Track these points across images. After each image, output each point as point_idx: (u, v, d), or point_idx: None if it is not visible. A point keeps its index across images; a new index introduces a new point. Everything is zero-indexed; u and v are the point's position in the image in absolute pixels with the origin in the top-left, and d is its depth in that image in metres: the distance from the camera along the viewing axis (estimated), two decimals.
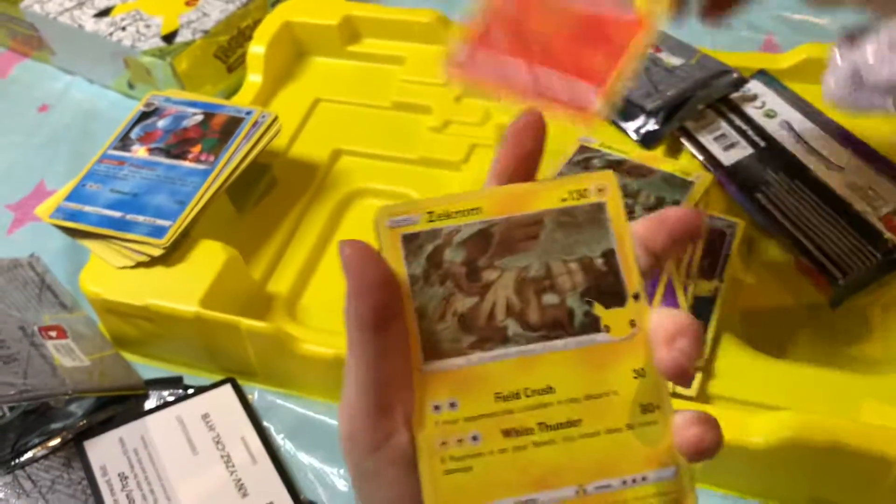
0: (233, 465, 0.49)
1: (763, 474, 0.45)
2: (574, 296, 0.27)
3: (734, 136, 0.58)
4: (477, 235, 0.27)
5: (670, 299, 0.49)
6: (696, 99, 0.60)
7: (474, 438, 0.26)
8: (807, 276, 0.52)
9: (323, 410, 0.52)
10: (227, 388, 0.53)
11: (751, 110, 0.59)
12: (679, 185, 0.55)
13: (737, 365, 0.47)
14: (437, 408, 0.26)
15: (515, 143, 0.29)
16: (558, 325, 0.27)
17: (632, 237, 0.27)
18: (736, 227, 0.53)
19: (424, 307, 0.27)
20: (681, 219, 0.27)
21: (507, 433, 0.26)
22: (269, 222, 0.60)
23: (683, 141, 0.59)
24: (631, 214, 0.54)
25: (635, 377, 0.26)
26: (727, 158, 0.57)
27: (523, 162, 0.29)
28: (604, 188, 0.28)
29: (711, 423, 0.25)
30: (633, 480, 0.26)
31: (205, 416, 0.51)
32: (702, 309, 0.49)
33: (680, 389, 0.46)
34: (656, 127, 0.59)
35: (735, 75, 0.61)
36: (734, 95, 0.60)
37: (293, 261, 0.58)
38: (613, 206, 0.28)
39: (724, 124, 0.59)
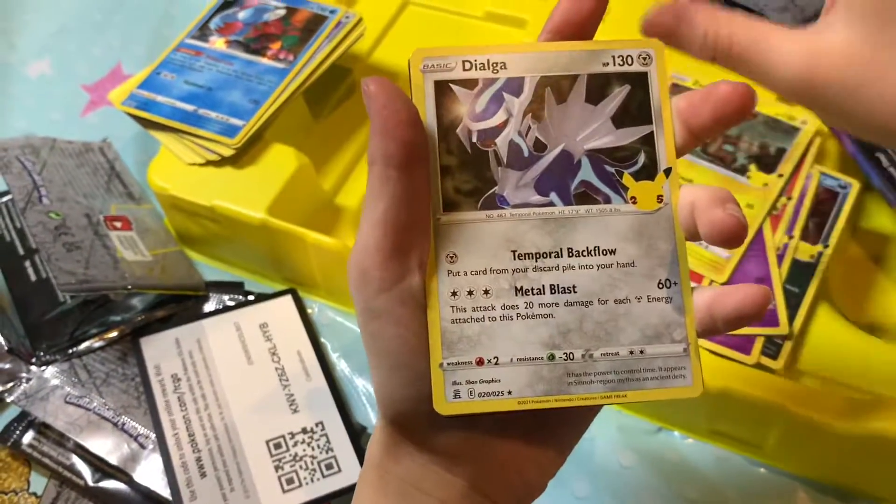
0: (286, 379, 0.48)
1: (848, 464, 0.41)
2: None
3: None
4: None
5: (761, 257, 0.45)
6: None
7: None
8: None
9: None
10: (288, 298, 0.52)
11: None
12: (784, 130, 0.50)
13: (831, 341, 0.43)
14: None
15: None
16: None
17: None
18: (850, 189, 0.48)
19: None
20: (727, 95, 0.25)
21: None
22: (345, 131, 0.57)
23: None
24: (733, 163, 0.50)
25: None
26: None
27: (580, 25, 0.27)
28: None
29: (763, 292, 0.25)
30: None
31: (263, 326, 0.50)
32: (800, 274, 0.45)
33: (766, 361, 0.42)
34: None
35: None
36: None
37: (366, 174, 0.55)
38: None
39: None
